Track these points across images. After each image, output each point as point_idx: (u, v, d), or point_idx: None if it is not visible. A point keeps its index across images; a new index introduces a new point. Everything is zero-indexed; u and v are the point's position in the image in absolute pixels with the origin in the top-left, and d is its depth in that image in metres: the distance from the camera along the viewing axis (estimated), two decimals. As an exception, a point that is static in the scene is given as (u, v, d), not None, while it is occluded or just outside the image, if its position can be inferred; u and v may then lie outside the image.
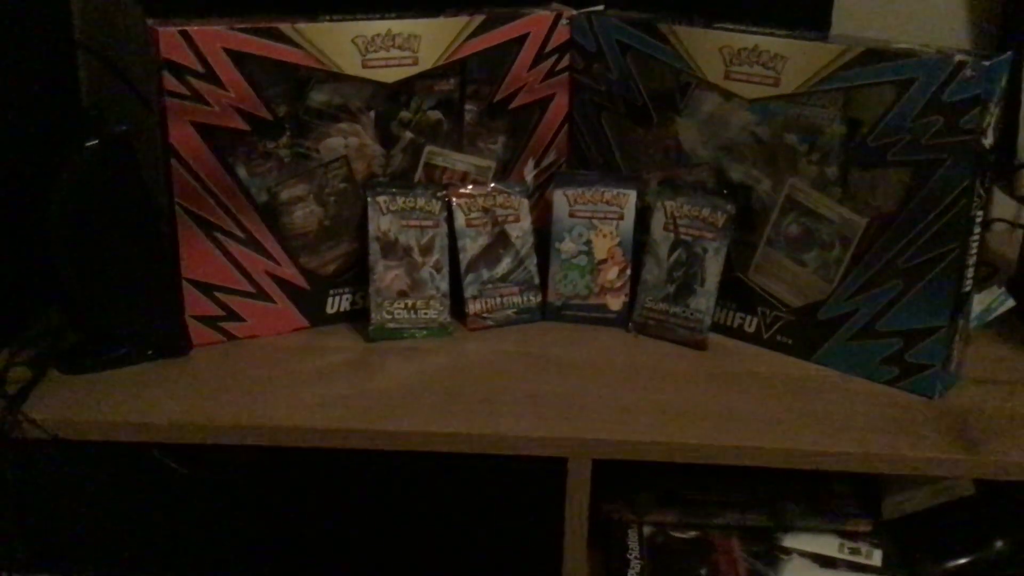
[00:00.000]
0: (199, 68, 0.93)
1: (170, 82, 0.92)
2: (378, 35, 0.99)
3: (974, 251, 0.91)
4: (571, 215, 1.08)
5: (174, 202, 0.96)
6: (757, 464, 0.88)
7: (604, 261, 1.08)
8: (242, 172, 0.98)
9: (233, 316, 1.01)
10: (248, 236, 1.00)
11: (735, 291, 1.03)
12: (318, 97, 1.00)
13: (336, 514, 1.00)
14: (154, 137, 0.97)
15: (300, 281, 1.03)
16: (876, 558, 0.95)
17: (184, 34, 0.92)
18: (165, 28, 0.92)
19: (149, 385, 0.94)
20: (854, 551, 0.95)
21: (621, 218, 1.07)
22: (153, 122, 0.97)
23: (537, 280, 1.09)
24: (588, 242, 1.08)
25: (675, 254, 1.04)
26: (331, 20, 0.98)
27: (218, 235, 0.98)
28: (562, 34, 1.07)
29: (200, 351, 1.00)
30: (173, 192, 0.96)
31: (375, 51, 0.99)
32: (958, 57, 0.86)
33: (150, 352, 0.97)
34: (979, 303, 0.99)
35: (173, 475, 0.91)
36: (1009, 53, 0.88)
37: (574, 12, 1.07)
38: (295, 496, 0.97)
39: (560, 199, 1.08)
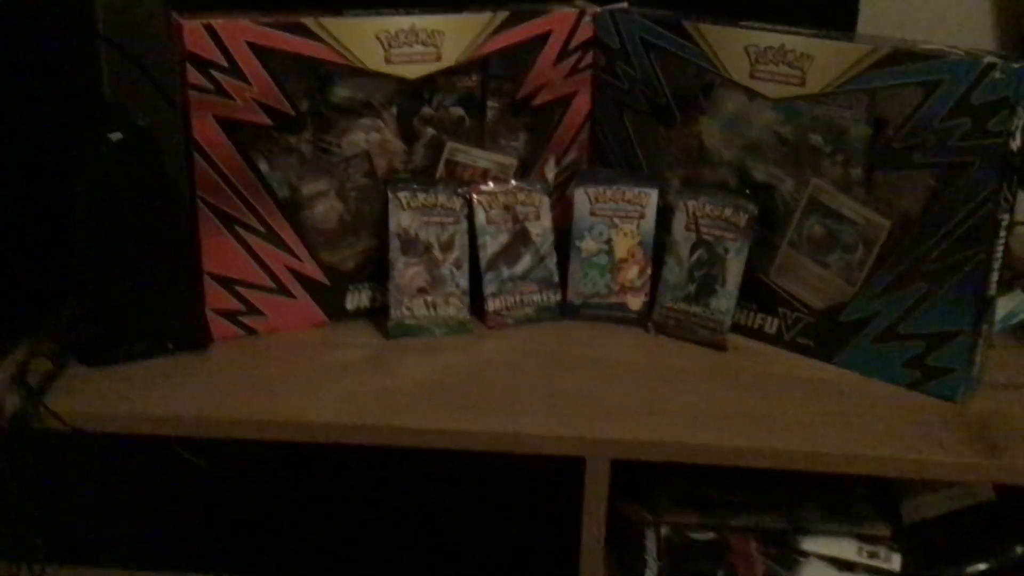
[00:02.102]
0: (223, 62, 0.93)
1: (194, 76, 0.93)
2: (401, 30, 0.98)
3: (999, 255, 0.90)
4: (592, 214, 1.07)
5: (196, 196, 0.96)
6: (776, 466, 0.88)
7: (624, 260, 1.07)
8: (264, 166, 0.98)
9: (253, 310, 1.01)
10: (269, 230, 1.00)
11: (756, 292, 1.02)
12: (340, 92, 0.99)
13: (353, 510, 1.00)
14: (175, 131, 0.97)
15: (320, 276, 1.03)
16: (895, 562, 0.94)
17: (208, 27, 0.92)
18: (189, 22, 0.92)
19: (168, 379, 0.94)
20: (872, 555, 0.95)
21: (642, 217, 1.07)
22: (174, 116, 0.97)
23: (557, 278, 1.08)
24: (609, 241, 1.07)
25: (696, 254, 1.03)
26: (355, 15, 0.98)
27: (239, 229, 0.98)
28: (585, 31, 1.06)
29: (219, 345, 1.00)
30: (195, 186, 0.96)
31: (398, 47, 0.99)
32: (987, 59, 0.85)
33: (170, 346, 0.97)
34: (1002, 307, 0.99)
35: (192, 468, 0.91)
36: (1038, 55, 0.87)
37: (598, 9, 1.07)
38: (314, 491, 0.97)
39: (581, 197, 1.07)
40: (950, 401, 0.93)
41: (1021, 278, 1.14)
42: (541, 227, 1.08)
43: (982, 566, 0.97)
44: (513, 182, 1.08)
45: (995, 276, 0.91)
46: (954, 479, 0.95)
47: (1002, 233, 0.89)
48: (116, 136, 0.91)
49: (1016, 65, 0.84)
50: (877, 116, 0.91)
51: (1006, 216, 0.89)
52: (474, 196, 1.06)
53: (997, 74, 0.84)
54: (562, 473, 0.92)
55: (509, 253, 1.07)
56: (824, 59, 0.92)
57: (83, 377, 0.94)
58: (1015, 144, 0.86)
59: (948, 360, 0.92)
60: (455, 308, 1.05)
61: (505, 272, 1.07)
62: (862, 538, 0.96)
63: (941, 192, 0.89)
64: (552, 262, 1.08)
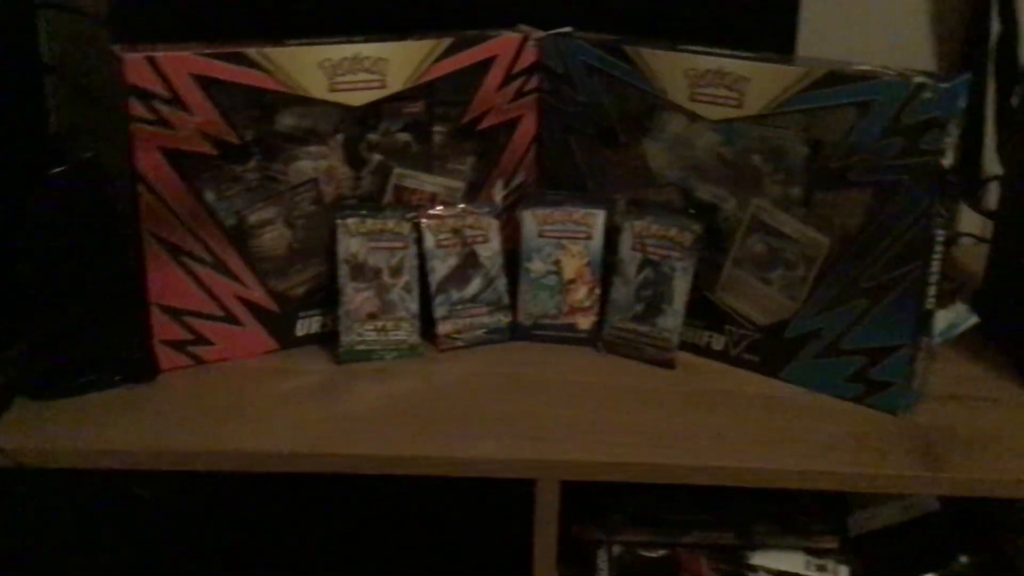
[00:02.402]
0: (166, 94, 0.93)
1: (136, 108, 0.92)
2: (345, 59, 0.99)
3: (935, 270, 0.92)
4: (540, 235, 1.08)
5: (142, 227, 0.96)
6: (724, 483, 0.89)
7: (573, 281, 1.08)
8: (210, 196, 0.98)
9: (202, 340, 1.01)
10: (216, 260, 1.00)
11: (703, 310, 1.04)
12: (286, 121, 1.00)
13: (308, 537, 1.00)
14: (124, 161, 0.97)
15: (269, 304, 1.04)
16: (843, 574, 0.96)
17: (150, 60, 0.92)
18: (131, 55, 0.92)
19: (117, 411, 0.94)
20: (821, 568, 0.96)
21: (590, 238, 1.08)
22: (123, 146, 0.97)
23: (507, 300, 1.09)
24: (557, 262, 1.08)
25: (643, 273, 1.05)
26: (298, 44, 0.98)
27: (186, 259, 0.98)
28: (529, 56, 1.07)
29: (169, 376, 0.99)
30: (140, 217, 0.96)
31: (342, 75, 0.99)
32: (917, 79, 0.87)
33: (118, 378, 0.97)
34: (943, 320, 1.00)
35: (142, 502, 0.91)
36: (967, 75, 0.89)
37: (541, 34, 1.08)
38: (266, 521, 0.97)
39: (529, 220, 1.08)
40: (893, 414, 0.94)
41: (962, 290, 1.17)
42: (490, 250, 1.09)
43: (928, 576, 0.99)
44: (461, 206, 1.08)
45: (932, 290, 0.93)
46: (898, 492, 0.97)
47: (937, 249, 0.91)
48: (61, 169, 0.91)
49: (945, 85, 0.86)
50: (814, 137, 0.93)
51: (941, 232, 0.91)
52: (422, 221, 1.06)
53: (927, 94, 0.86)
54: (514, 494, 0.92)
55: (459, 276, 1.08)
56: (760, 81, 0.94)
57: (31, 412, 0.93)
58: (947, 162, 0.88)
59: (889, 374, 0.94)
60: (406, 332, 1.05)
61: (455, 295, 1.08)
62: (810, 551, 0.97)
63: (877, 210, 0.91)
64: (502, 284, 1.09)
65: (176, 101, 0.93)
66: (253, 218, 1.01)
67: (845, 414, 0.95)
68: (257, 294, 1.03)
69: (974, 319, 1.01)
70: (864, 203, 0.92)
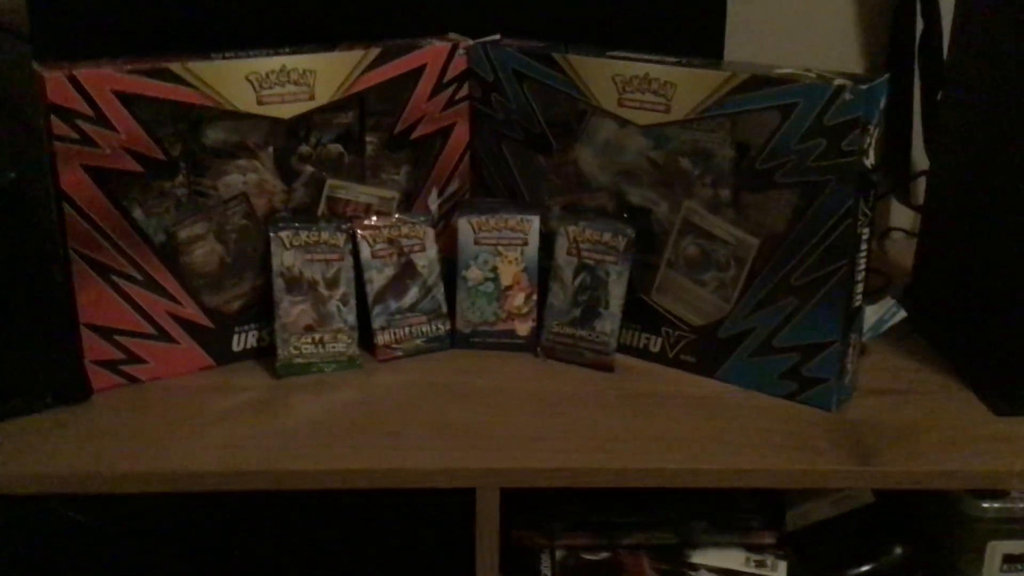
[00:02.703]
0: (88, 111, 0.91)
1: (58, 126, 0.91)
2: (272, 71, 0.98)
3: (862, 267, 0.94)
4: (476, 243, 1.09)
5: (68, 247, 0.95)
6: (662, 485, 0.90)
7: (510, 287, 1.09)
8: (138, 213, 0.97)
9: (134, 359, 1.00)
10: (147, 277, 0.98)
11: (639, 312, 1.05)
12: (213, 135, 0.99)
13: (248, 553, 0.99)
14: (47, 181, 0.95)
15: (203, 320, 1.03)
16: (781, 570, 0.97)
17: (71, 78, 0.90)
18: (51, 72, 0.90)
19: (48, 435, 0.92)
20: (760, 564, 0.98)
21: (525, 244, 1.08)
22: (46, 166, 0.95)
23: (445, 309, 1.09)
24: (494, 269, 1.09)
25: (579, 278, 1.05)
26: (223, 58, 0.97)
27: (115, 278, 0.97)
28: (459, 64, 1.07)
29: (101, 396, 0.98)
30: (66, 237, 0.94)
31: (270, 87, 0.99)
32: (837, 81, 0.88)
33: (48, 400, 0.95)
34: (873, 314, 1.03)
35: (76, 527, 0.89)
36: (886, 76, 0.90)
37: (470, 42, 1.08)
38: (205, 539, 0.96)
39: (465, 227, 1.08)
40: (825, 410, 0.96)
41: (893, 283, 1.19)
42: (427, 258, 1.09)
43: (865, 567, 1.00)
44: (396, 215, 1.08)
45: (860, 287, 0.95)
46: (831, 487, 0.99)
47: (863, 246, 0.93)
48: (-20, 191, 0.89)
49: (864, 86, 0.87)
50: (740, 139, 0.94)
51: (866, 230, 0.93)
52: (358, 231, 1.06)
53: (847, 96, 0.88)
54: (455, 503, 0.92)
55: (396, 286, 1.08)
56: (686, 86, 0.95)
57: (-41, 438, 0.92)
58: (869, 161, 0.90)
59: (821, 370, 0.96)
60: (344, 344, 1.05)
61: (393, 305, 1.07)
62: (749, 548, 0.99)
63: (803, 210, 0.92)
64: (439, 293, 1.09)
65: (99, 119, 0.92)
66: (183, 234, 1.00)
67: (779, 411, 0.96)
68: (190, 310, 1.02)
69: (902, 314, 1.03)
70: (791, 204, 0.93)
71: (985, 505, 0.94)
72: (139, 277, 0.98)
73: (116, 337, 0.98)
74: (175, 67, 0.94)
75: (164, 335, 1.01)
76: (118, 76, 0.92)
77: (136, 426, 0.94)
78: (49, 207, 0.93)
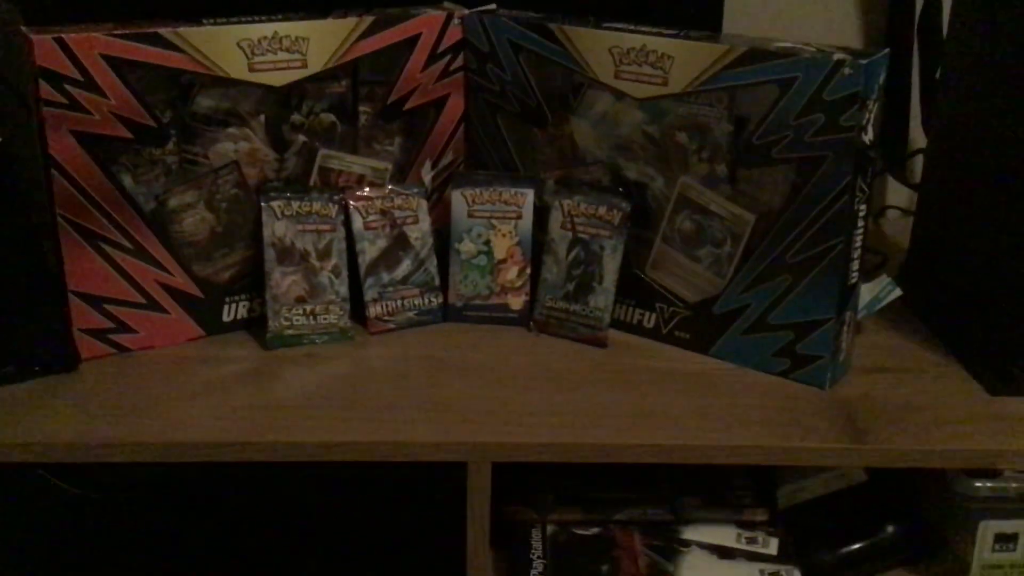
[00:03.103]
0: (77, 76, 0.90)
1: (47, 91, 0.89)
2: (264, 38, 0.97)
3: (859, 245, 0.93)
4: (470, 215, 1.07)
5: (56, 214, 0.93)
6: (654, 461, 0.89)
7: (504, 261, 1.08)
8: (127, 180, 0.96)
9: (124, 328, 0.99)
10: (136, 246, 0.97)
11: (633, 288, 1.04)
12: (204, 102, 0.97)
13: (238, 524, 0.98)
14: (36, 146, 0.94)
15: (193, 290, 1.01)
16: (772, 546, 0.97)
17: (60, 41, 0.89)
18: (40, 36, 0.89)
19: (37, 403, 0.91)
20: (751, 540, 0.97)
21: (519, 217, 1.07)
22: (34, 131, 0.94)
23: (437, 281, 1.08)
24: (487, 242, 1.08)
25: (573, 252, 1.04)
26: (215, 23, 0.95)
27: (104, 246, 0.96)
28: (454, 34, 1.06)
29: (90, 365, 0.97)
30: (54, 203, 0.93)
31: (262, 54, 0.97)
32: (836, 56, 0.87)
33: (37, 368, 0.94)
34: (868, 292, 1.02)
35: (64, 496, 0.89)
36: (886, 51, 0.89)
37: (466, 12, 1.06)
38: (195, 509, 0.95)
39: (458, 200, 1.07)
40: (819, 387, 0.96)
41: (888, 262, 1.19)
42: (420, 231, 1.08)
43: (857, 546, 1.00)
44: (389, 187, 1.07)
45: (856, 265, 0.94)
46: (824, 465, 0.99)
47: (860, 223, 0.92)
48: (-33, 155, 0.88)
49: (864, 61, 0.86)
50: (737, 114, 0.93)
51: (863, 207, 0.92)
52: (350, 202, 1.05)
53: (847, 70, 0.87)
54: (446, 477, 0.92)
55: (388, 258, 1.07)
56: (684, 59, 0.94)
57: (-55, 406, 0.91)
58: (867, 138, 0.89)
59: (815, 348, 0.95)
60: (335, 316, 1.04)
61: (385, 277, 1.06)
62: (741, 524, 0.99)
63: (800, 186, 0.91)
64: (432, 265, 1.08)
65: (88, 83, 0.91)
66: (173, 202, 0.99)
67: (773, 388, 0.96)
68: (180, 280, 1.00)
69: (897, 292, 1.02)
70: (788, 179, 0.92)
71: (978, 484, 0.94)
72: (128, 245, 0.97)
73: (105, 306, 0.97)
74: (166, 32, 0.93)
75: (153, 304, 1.00)
76: (108, 40, 0.91)
77: (124, 396, 0.93)
78: (38, 173, 0.92)
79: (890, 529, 1.01)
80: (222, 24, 0.95)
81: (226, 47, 0.95)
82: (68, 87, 0.90)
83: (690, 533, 0.98)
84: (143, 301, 0.99)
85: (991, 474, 0.94)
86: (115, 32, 0.91)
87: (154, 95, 0.94)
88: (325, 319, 1.03)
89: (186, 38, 0.93)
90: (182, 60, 0.94)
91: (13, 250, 0.91)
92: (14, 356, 0.94)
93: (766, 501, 1.00)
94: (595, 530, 0.99)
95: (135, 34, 0.92)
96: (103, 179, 0.94)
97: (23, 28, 0.91)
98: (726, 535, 0.98)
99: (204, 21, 0.95)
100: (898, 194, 1.38)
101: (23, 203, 0.91)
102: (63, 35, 0.89)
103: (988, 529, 0.96)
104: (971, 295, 1.01)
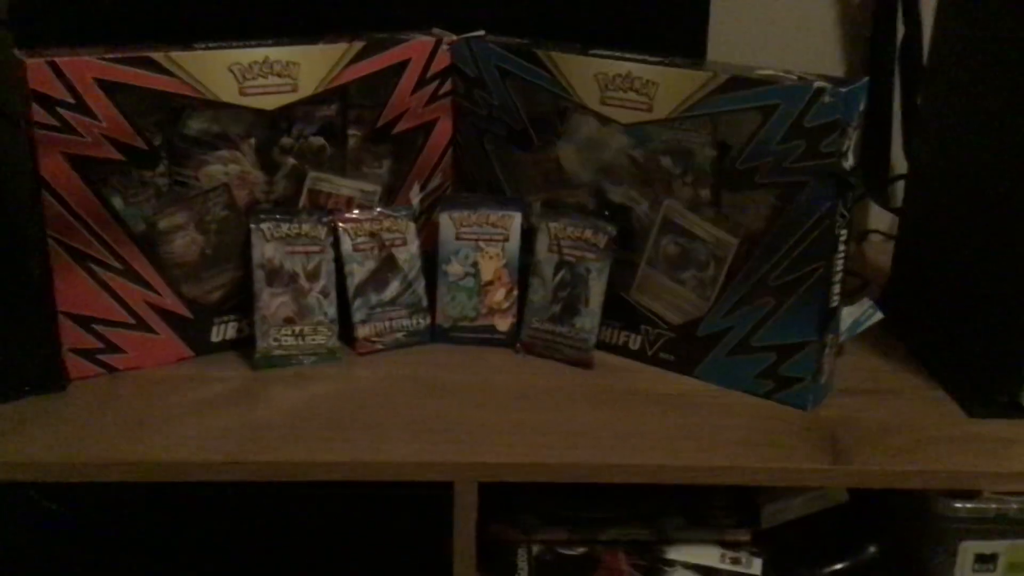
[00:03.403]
0: (69, 99, 0.91)
1: (39, 114, 0.90)
2: (255, 62, 0.98)
3: (840, 268, 0.95)
4: (457, 238, 1.09)
5: (47, 235, 0.94)
6: (638, 481, 0.90)
7: (491, 283, 1.09)
8: (117, 202, 0.96)
9: (113, 348, 1.00)
10: (126, 267, 0.98)
11: (619, 310, 1.05)
12: (195, 125, 0.99)
13: (225, 545, 0.99)
14: (27, 168, 0.95)
15: (182, 310, 1.02)
16: (756, 567, 0.98)
17: (53, 65, 0.90)
18: (33, 59, 0.90)
19: (25, 423, 0.92)
20: (735, 560, 0.98)
21: (507, 240, 1.08)
22: (26, 153, 0.95)
23: (425, 303, 1.09)
24: (475, 264, 1.09)
25: (560, 275, 1.06)
26: (206, 48, 0.97)
27: (94, 267, 0.97)
28: (443, 60, 1.08)
29: (79, 385, 0.98)
30: (45, 224, 0.94)
31: (253, 78, 0.98)
32: (817, 84, 0.89)
33: (25, 388, 0.95)
34: (849, 315, 1.03)
35: (51, 516, 0.89)
36: (865, 79, 0.91)
37: (454, 38, 1.08)
38: (182, 530, 0.96)
39: (446, 222, 1.08)
40: (801, 409, 0.97)
41: (870, 285, 1.21)
42: (408, 252, 1.09)
43: (838, 566, 1.01)
44: (378, 209, 1.08)
45: (837, 288, 0.96)
46: (806, 485, 1.00)
47: (841, 247, 0.94)
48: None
49: (844, 89, 0.88)
50: (720, 139, 0.95)
51: (844, 231, 0.94)
52: (339, 224, 1.06)
53: (827, 98, 0.88)
54: (432, 497, 0.93)
55: (377, 279, 1.08)
56: (668, 86, 0.95)
57: (-67, 425, 0.91)
58: (848, 163, 0.91)
59: (798, 370, 0.96)
60: (324, 336, 1.05)
61: (373, 298, 1.07)
62: (724, 544, 0.99)
63: (782, 211, 0.93)
64: (420, 287, 1.09)
65: (80, 106, 0.92)
66: (163, 224, 1.00)
67: (755, 410, 0.97)
68: (169, 301, 1.01)
69: (878, 315, 1.04)
70: (770, 204, 0.94)
71: (957, 505, 0.95)
72: (118, 266, 0.98)
73: (94, 326, 0.98)
74: (157, 56, 0.94)
75: (143, 325, 1.00)
76: (100, 64, 0.92)
77: (113, 416, 0.94)
78: (28, 195, 0.93)
79: (871, 549, 1.02)
80: (213, 48, 0.97)
81: (217, 71, 0.97)
82: (60, 110, 0.91)
83: (674, 553, 0.99)
84: (132, 321, 1.00)
85: (971, 495, 0.95)
86: (107, 56, 0.92)
87: (145, 118, 0.95)
88: (313, 340, 1.04)
89: (178, 62, 0.95)
90: (173, 84, 0.95)
91: (3, 269, 0.92)
92: (2, 376, 0.94)
93: (749, 521, 1.00)
94: (580, 550, 0.99)
95: (127, 58, 0.93)
96: (94, 200, 0.95)
97: (16, 52, 0.92)
98: (710, 555, 0.99)
99: (195, 45, 0.97)
100: (880, 218, 1.40)
101: (13, 224, 0.92)
102: (56, 59, 0.90)
103: (968, 550, 0.97)
104: (952, 318, 1.02)
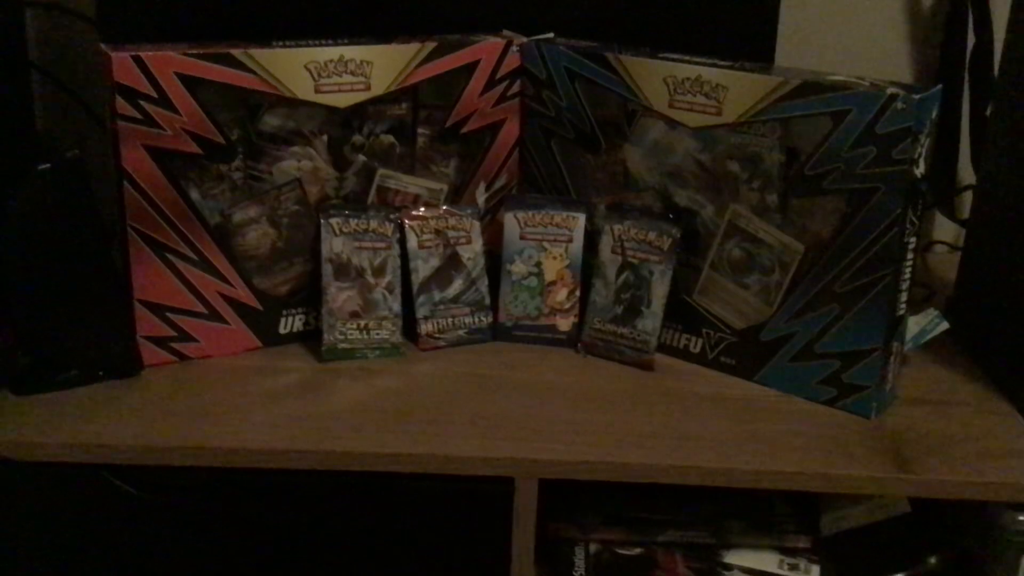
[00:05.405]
0: (152, 93, 0.94)
1: (123, 106, 0.93)
2: (331, 61, 1.00)
3: (907, 276, 0.94)
4: (522, 237, 1.10)
5: (126, 224, 0.97)
6: (699, 483, 0.91)
7: (554, 283, 1.10)
8: (195, 194, 0.99)
9: (185, 337, 1.02)
10: (200, 257, 1.01)
11: (681, 313, 1.05)
12: (271, 121, 1.01)
13: (289, 534, 1.00)
14: (108, 158, 0.98)
15: (253, 302, 1.05)
16: (814, 574, 0.97)
17: (137, 59, 0.93)
18: (118, 53, 0.93)
19: (99, 406, 0.95)
20: (793, 567, 0.98)
21: (570, 241, 1.09)
22: (107, 144, 0.98)
23: (488, 301, 1.10)
24: (538, 264, 1.10)
25: (623, 276, 1.06)
26: (284, 46, 0.99)
27: (170, 257, 0.99)
28: (512, 61, 1.09)
29: (152, 372, 1.00)
30: (125, 214, 0.97)
31: (327, 76, 1.00)
32: (890, 90, 0.89)
33: (101, 373, 0.97)
34: (915, 325, 1.03)
35: (124, 497, 0.92)
36: (939, 87, 0.91)
37: (524, 40, 1.09)
38: (248, 517, 0.98)
39: (511, 222, 1.10)
40: (865, 417, 0.96)
41: (935, 296, 1.19)
42: (472, 251, 1.10)
43: None
44: (444, 207, 1.10)
45: (904, 296, 0.95)
46: (868, 493, 0.99)
47: (909, 255, 0.93)
48: (45, 167, 0.91)
49: (916, 96, 0.88)
50: (789, 145, 0.95)
51: (913, 240, 0.93)
52: (406, 221, 1.08)
53: (899, 105, 0.88)
54: (493, 493, 0.94)
55: (441, 277, 1.09)
56: (738, 90, 0.96)
57: (14, 406, 0.94)
58: (919, 171, 0.90)
59: (862, 377, 0.96)
60: (388, 331, 1.06)
61: (437, 295, 1.09)
62: (783, 551, 0.99)
63: (851, 217, 0.93)
64: (483, 285, 1.10)
65: (162, 100, 0.94)
66: (237, 217, 1.02)
67: (818, 416, 0.97)
68: (241, 292, 1.04)
69: (944, 325, 1.03)
70: (838, 210, 0.93)
71: (1021, 518, 0.94)
72: (193, 257, 1.00)
73: (168, 314, 1.01)
74: (237, 52, 0.96)
75: (215, 315, 1.03)
76: (182, 59, 0.94)
77: (184, 402, 0.96)
78: (110, 184, 0.96)
79: (932, 561, 1.01)
80: (291, 47, 0.99)
81: (294, 69, 0.99)
82: (143, 103, 0.94)
83: (732, 557, 0.99)
84: (205, 311, 1.02)
85: (1036, 509, 0.94)
86: (189, 52, 0.95)
87: (224, 113, 0.98)
88: (378, 334, 1.06)
89: (256, 59, 0.97)
90: (252, 80, 0.97)
91: (84, 259, 0.95)
92: (79, 361, 0.97)
93: (809, 528, 1.00)
94: (638, 551, 1.00)
95: (208, 54, 0.96)
96: (172, 192, 0.97)
97: (102, 46, 0.95)
98: (768, 560, 0.98)
99: (274, 43, 0.99)
100: (945, 230, 1.39)
101: (95, 213, 0.94)
102: (140, 53, 0.93)
103: (1032, 564, 0.96)
104: (1017, 330, 1.01)
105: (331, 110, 1.02)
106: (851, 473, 0.89)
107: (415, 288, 1.08)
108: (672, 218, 1.04)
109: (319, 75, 1.00)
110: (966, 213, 1.25)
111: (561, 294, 1.10)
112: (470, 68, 1.07)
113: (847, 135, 0.91)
